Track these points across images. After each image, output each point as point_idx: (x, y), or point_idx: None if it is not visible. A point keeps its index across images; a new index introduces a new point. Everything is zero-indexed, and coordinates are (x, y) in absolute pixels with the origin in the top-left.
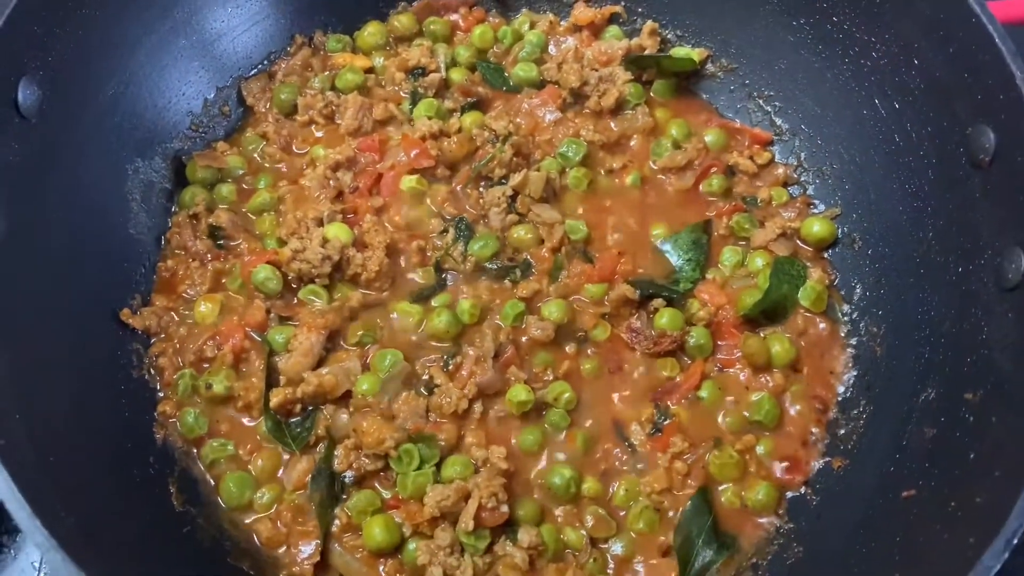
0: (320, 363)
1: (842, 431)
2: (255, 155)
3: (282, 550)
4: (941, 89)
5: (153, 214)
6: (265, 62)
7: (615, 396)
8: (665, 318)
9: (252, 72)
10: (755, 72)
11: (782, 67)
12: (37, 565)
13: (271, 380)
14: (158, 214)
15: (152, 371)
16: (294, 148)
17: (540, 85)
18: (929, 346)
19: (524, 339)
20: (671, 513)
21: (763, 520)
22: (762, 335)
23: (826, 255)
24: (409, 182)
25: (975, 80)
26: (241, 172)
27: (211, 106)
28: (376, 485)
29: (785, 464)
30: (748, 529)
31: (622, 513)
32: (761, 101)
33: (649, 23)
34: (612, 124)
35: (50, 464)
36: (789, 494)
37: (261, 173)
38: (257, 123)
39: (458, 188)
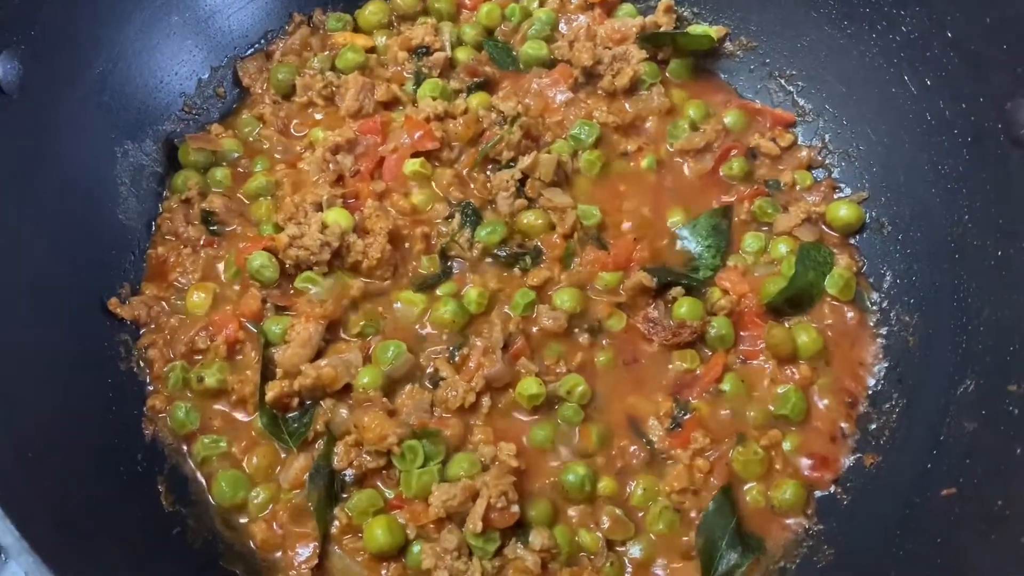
0: (319, 355)
1: (873, 426)
2: (251, 138)
3: (278, 553)
4: (977, 62)
5: (143, 199)
6: (262, 41)
7: (631, 390)
8: (684, 307)
9: (248, 52)
10: (776, 50)
11: (805, 44)
12: None
13: (267, 373)
14: (148, 199)
15: (141, 363)
16: (292, 131)
17: (550, 64)
18: (967, 335)
19: (535, 330)
20: (692, 513)
21: (790, 521)
22: (787, 325)
23: (853, 241)
24: (413, 165)
25: (1014, 51)
26: (236, 155)
27: (205, 87)
28: (378, 484)
29: (813, 461)
30: (775, 530)
31: (640, 514)
32: (783, 80)
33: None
34: (626, 105)
35: (28, 460)
36: (818, 493)
37: (257, 156)
38: (253, 105)
39: (464, 172)
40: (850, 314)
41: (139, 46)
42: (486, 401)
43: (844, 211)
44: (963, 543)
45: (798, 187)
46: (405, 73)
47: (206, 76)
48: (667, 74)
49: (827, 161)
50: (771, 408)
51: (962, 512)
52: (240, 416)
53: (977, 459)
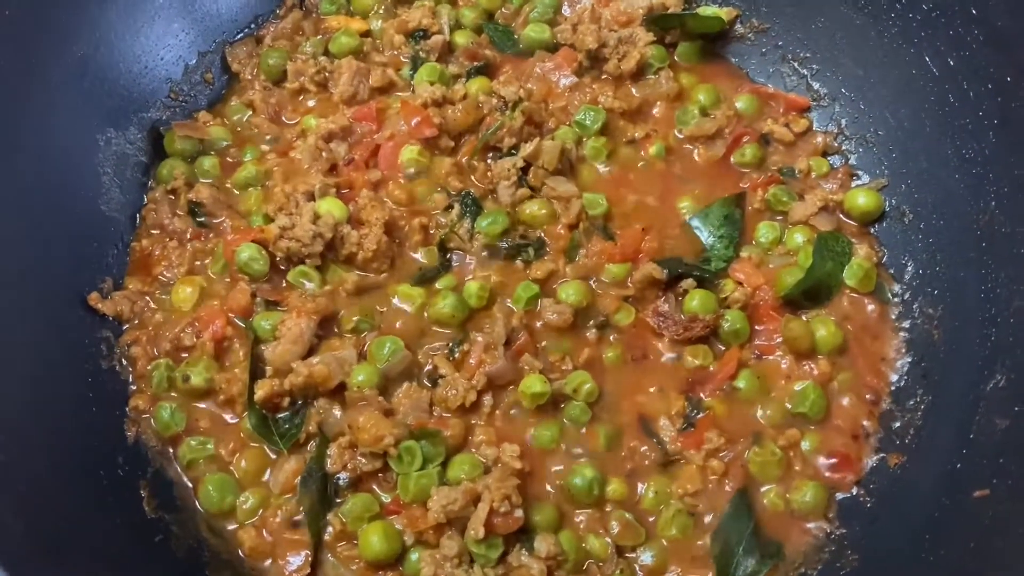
0: (311, 352)
1: (897, 424)
2: (240, 125)
3: (268, 562)
4: (1004, 40)
5: (127, 189)
6: (252, 25)
7: (641, 388)
8: (696, 300)
9: (238, 36)
10: (789, 32)
11: (819, 25)
12: None
13: (256, 371)
14: (133, 189)
15: (124, 361)
16: (283, 118)
17: (553, 48)
18: (996, 327)
19: (539, 324)
20: (707, 518)
21: (811, 525)
22: (804, 318)
23: (873, 230)
24: (410, 153)
25: None
26: (225, 144)
27: (192, 72)
28: (374, 488)
29: (834, 461)
30: (794, 535)
31: (651, 518)
32: (796, 64)
33: None
34: (633, 90)
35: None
36: (839, 495)
37: (247, 145)
38: (243, 91)
39: (464, 160)
40: (871, 306)
41: (122, 29)
42: (488, 400)
43: (863, 199)
44: (999, 548)
45: (814, 174)
46: (402, 57)
47: (193, 61)
48: (675, 58)
49: (844, 147)
50: (789, 406)
51: (997, 515)
52: (228, 417)
53: (1011, 458)
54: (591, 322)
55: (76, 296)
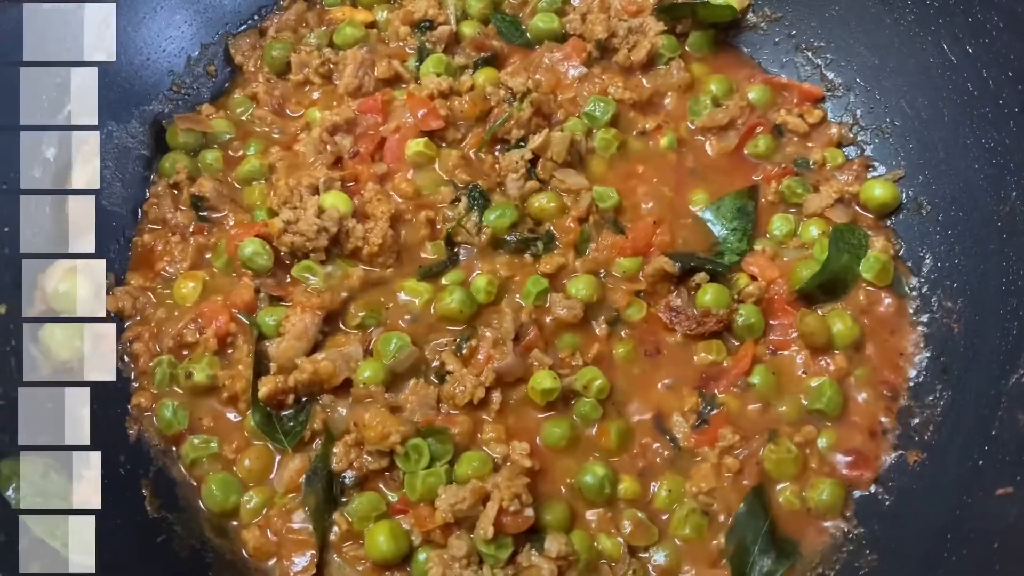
0: (316, 348)
1: (916, 420)
2: (244, 118)
3: (272, 562)
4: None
5: (129, 183)
6: (255, 17)
7: (653, 384)
8: (709, 295)
9: (241, 28)
10: (802, 21)
11: (833, 14)
12: None
13: (260, 368)
14: (134, 184)
15: (125, 358)
16: (287, 110)
17: (562, 38)
18: (1017, 321)
19: (548, 319)
20: (722, 517)
21: (828, 523)
22: (820, 312)
23: (889, 222)
24: (416, 146)
25: None
26: (228, 137)
27: (195, 65)
28: (380, 487)
29: (851, 459)
30: (811, 534)
31: (664, 517)
32: (810, 53)
33: None
34: (644, 80)
35: None
36: (857, 493)
37: (250, 138)
38: (246, 83)
39: (471, 152)
40: (888, 300)
41: (123, 21)
42: (496, 396)
43: (879, 190)
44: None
45: (828, 166)
46: (407, 49)
47: (196, 53)
48: (687, 47)
49: (859, 138)
50: (805, 402)
51: (1021, 513)
52: (231, 415)
53: None
54: (602, 317)
55: None
